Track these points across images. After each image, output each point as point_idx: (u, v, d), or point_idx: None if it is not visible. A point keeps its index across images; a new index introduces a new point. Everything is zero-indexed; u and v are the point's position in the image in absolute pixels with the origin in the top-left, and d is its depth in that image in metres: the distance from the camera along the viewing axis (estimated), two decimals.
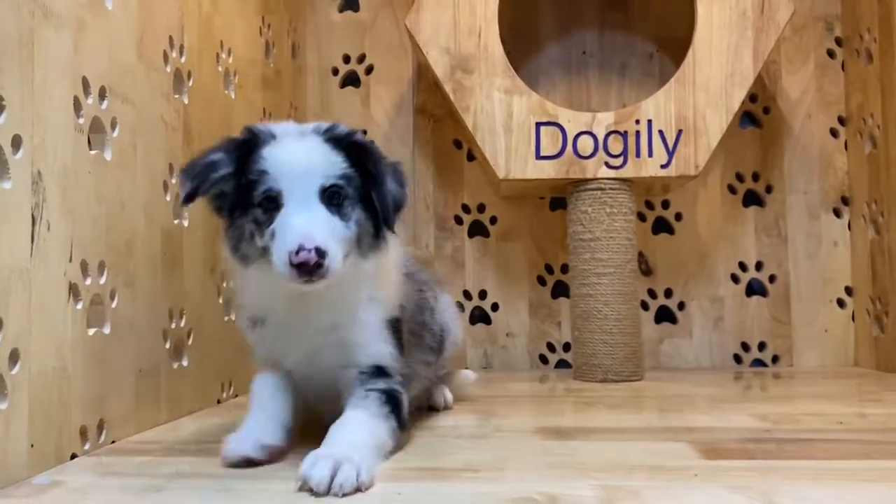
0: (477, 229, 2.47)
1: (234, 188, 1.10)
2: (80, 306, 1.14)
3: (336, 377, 1.17)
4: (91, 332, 1.18)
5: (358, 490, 0.91)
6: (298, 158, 1.07)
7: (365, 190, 1.10)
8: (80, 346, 1.14)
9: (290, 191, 1.05)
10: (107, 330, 1.22)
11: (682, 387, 1.96)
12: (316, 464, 0.93)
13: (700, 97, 2.05)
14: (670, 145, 2.05)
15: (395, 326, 1.21)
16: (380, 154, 1.15)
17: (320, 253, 1.00)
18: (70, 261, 1.12)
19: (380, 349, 1.17)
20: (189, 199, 1.09)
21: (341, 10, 2.52)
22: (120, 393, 1.26)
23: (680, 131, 2.05)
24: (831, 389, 1.89)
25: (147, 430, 1.35)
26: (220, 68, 1.73)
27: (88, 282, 1.17)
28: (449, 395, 1.55)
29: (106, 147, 1.23)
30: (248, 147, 1.10)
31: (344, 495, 0.90)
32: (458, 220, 2.46)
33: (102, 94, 1.22)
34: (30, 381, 1.02)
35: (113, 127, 1.25)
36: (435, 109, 2.47)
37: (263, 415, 1.15)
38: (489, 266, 2.46)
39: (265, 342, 1.20)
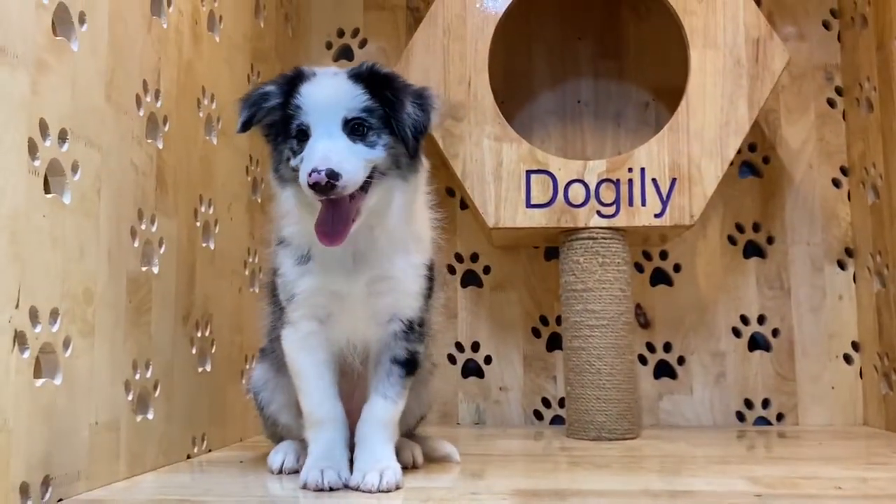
0: (470, 279, 2.42)
1: (280, 118, 1.27)
2: (26, 355, 1.09)
3: (374, 331, 1.33)
4: (39, 382, 1.12)
5: (397, 486, 1.24)
6: (325, 95, 1.24)
7: (387, 116, 1.24)
8: (24, 398, 1.08)
9: (316, 124, 1.22)
10: (58, 380, 1.17)
11: (678, 446, 1.86)
12: (367, 475, 1.23)
13: (694, 145, 2.01)
14: (664, 194, 1.99)
15: (430, 272, 1.37)
16: (401, 83, 1.30)
17: (332, 174, 1.15)
18: (17, 307, 1.07)
19: (418, 303, 1.33)
20: (245, 126, 1.29)
21: (336, 60, 2.51)
22: (71, 447, 1.20)
23: (674, 180, 2.00)
24: (837, 451, 1.79)
25: (101, 488, 1.28)
26: (201, 114, 1.71)
27: (38, 329, 1.12)
28: (419, 454, 1.47)
29: (65, 191, 1.20)
30: (294, 83, 1.27)
31: (388, 491, 1.22)
32: (451, 270, 2.41)
33: (63, 137, 1.19)
34: None
35: (74, 170, 1.22)
36: (427, 157, 2.43)
37: (338, 434, 1.31)
38: (482, 317, 2.40)
39: (310, 286, 1.30)
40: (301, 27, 2.50)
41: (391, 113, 1.24)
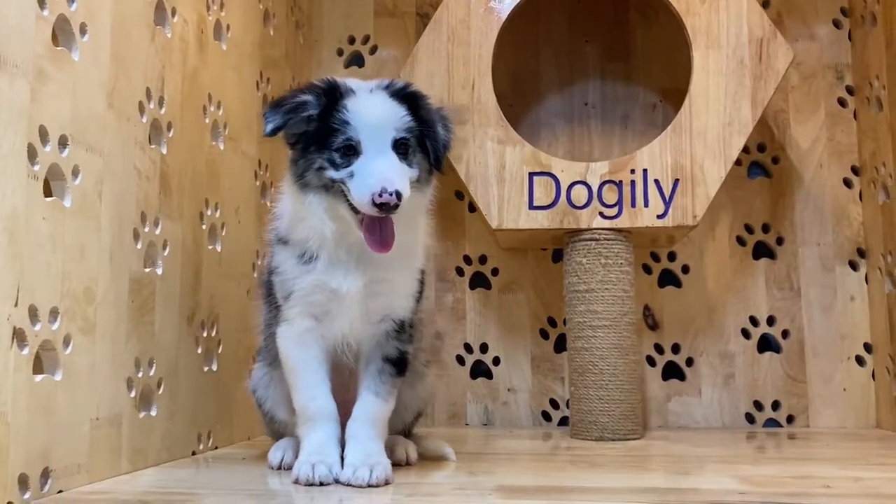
0: (478, 281, 2.44)
1: (315, 129, 1.29)
2: (25, 352, 1.14)
3: (367, 329, 1.37)
4: (38, 378, 1.17)
5: (387, 481, 1.27)
6: (375, 113, 1.28)
7: (421, 135, 1.32)
8: (23, 392, 1.13)
9: (368, 141, 1.26)
10: (58, 377, 1.21)
11: (680, 447, 1.86)
12: (357, 470, 1.26)
13: (697, 146, 2.01)
14: (667, 195, 2.00)
15: (422, 275, 1.44)
16: (430, 103, 1.38)
17: (398, 195, 1.20)
18: (16, 305, 1.12)
19: (411, 304, 1.39)
20: (275, 131, 1.30)
21: (346, 67, 2.55)
22: (70, 441, 1.25)
23: (677, 181, 2.00)
24: (843, 452, 1.78)
25: (102, 481, 1.32)
26: (206, 120, 1.76)
27: (38, 327, 1.17)
28: (413, 452, 1.49)
29: (66, 194, 1.25)
30: (333, 96, 1.30)
31: (378, 486, 1.25)
32: (460, 272, 2.43)
33: (63, 143, 1.24)
34: None
35: (75, 174, 1.27)
36: None
37: (330, 430, 1.34)
38: (490, 319, 2.41)
39: (310, 283, 1.33)
40: (312, 34, 2.55)
41: (427, 134, 1.32)
